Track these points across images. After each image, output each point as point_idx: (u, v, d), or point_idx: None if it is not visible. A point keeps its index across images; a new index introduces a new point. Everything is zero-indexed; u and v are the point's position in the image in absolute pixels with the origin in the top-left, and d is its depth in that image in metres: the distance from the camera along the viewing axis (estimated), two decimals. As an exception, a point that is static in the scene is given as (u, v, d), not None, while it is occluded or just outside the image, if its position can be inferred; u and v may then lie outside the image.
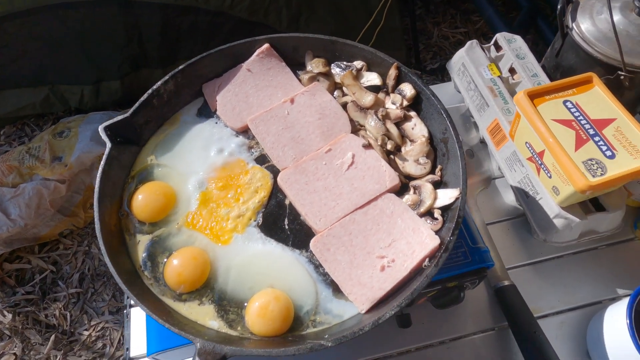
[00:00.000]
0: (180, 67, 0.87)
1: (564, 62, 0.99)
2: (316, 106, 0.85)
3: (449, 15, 2.94)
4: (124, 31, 2.21)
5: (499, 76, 1.01)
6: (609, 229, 0.89)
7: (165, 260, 0.73)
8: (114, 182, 0.78)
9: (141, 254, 0.73)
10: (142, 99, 0.83)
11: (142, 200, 0.76)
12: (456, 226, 0.68)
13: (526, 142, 0.86)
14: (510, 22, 2.38)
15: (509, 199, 0.99)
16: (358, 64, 0.89)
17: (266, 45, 0.90)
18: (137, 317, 0.89)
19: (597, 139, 0.78)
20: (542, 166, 0.83)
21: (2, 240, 2.04)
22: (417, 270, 0.68)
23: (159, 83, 0.85)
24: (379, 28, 2.38)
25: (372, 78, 0.88)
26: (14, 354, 1.93)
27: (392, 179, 0.76)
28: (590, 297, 0.87)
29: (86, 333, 2.02)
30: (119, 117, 0.80)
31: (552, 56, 1.03)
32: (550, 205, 0.85)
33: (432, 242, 0.68)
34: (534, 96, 0.83)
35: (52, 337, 1.95)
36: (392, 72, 0.85)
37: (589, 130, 0.79)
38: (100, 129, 0.80)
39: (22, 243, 2.11)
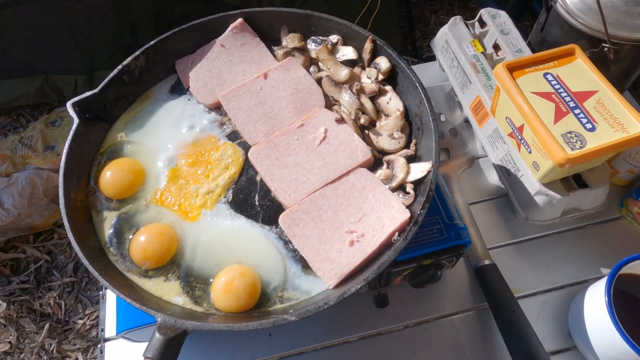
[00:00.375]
0: (152, 43, 0.85)
1: (548, 37, 0.96)
2: (290, 81, 0.83)
3: (446, 3, 2.90)
4: (116, 20, 2.20)
5: (482, 52, 0.98)
6: (592, 206, 0.86)
7: (131, 236, 0.71)
8: (82, 159, 0.77)
9: (107, 230, 0.72)
10: (111, 74, 0.82)
11: (110, 177, 0.74)
12: (427, 199, 0.65)
13: (506, 117, 0.84)
14: (505, 7, 2.34)
15: (492, 178, 0.97)
16: (334, 38, 0.87)
17: (240, 20, 0.88)
18: (112, 298, 0.88)
19: (577, 111, 0.75)
20: (522, 141, 0.81)
21: (-4, 229, 2.05)
22: (387, 245, 0.66)
23: (129, 59, 0.83)
24: (374, 15, 2.34)
25: (347, 52, 0.85)
26: (9, 342, 1.94)
27: (364, 154, 0.74)
28: (574, 277, 0.85)
29: (80, 322, 2.02)
30: (88, 93, 0.79)
31: (537, 31, 1.00)
32: (532, 182, 0.83)
33: (402, 215, 0.66)
34: (514, 69, 0.80)
35: (47, 326, 1.95)
36: (368, 46, 0.83)
37: (569, 103, 0.76)
38: (69, 104, 0.78)
39: (16, 232, 2.11)
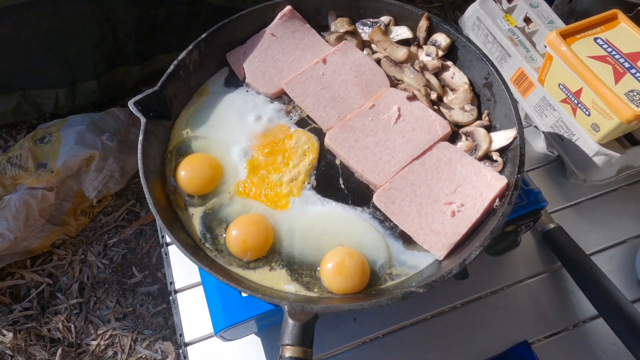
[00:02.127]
0: (203, 36, 0.83)
1: (578, 7, 1.00)
2: (350, 64, 0.83)
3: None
4: (97, 27, 2.11)
5: (515, 26, 1.01)
6: (643, 161, 0.91)
7: (223, 231, 0.69)
8: (154, 158, 0.74)
9: (198, 227, 0.70)
10: (169, 70, 0.79)
11: (189, 173, 0.72)
12: (521, 164, 0.67)
13: (559, 84, 0.87)
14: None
15: (539, 146, 1.00)
16: (385, 19, 0.87)
17: (288, 8, 0.87)
18: (185, 302, 0.85)
19: (633, 71, 0.79)
20: (579, 105, 0.84)
21: (-8, 257, 1.93)
22: (488, 212, 0.67)
23: (184, 53, 0.81)
24: None
25: (402, 32, 0.86)
26: (20, 373, 1.83)
27: (443, 127, 0.75)
28: (635, 230, 0.89)
29: (94, 343, 1.93)
30: (148, 91, 0.76)
31: (564, 3, 1.04)
32: (589, 144, 0.86)
33: (499, 182, 0.67)
34: (566, 36, 0.83)
35: (59, 351, 1.86)
36: (423, 24, 0.84)
37: (624, 64, 0.80)
38: (130, 104, 0.75)
39: (12, 258, 1.99)
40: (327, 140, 0.76)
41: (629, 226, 0.90)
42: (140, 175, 0.69)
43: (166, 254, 0.90)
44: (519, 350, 0.79)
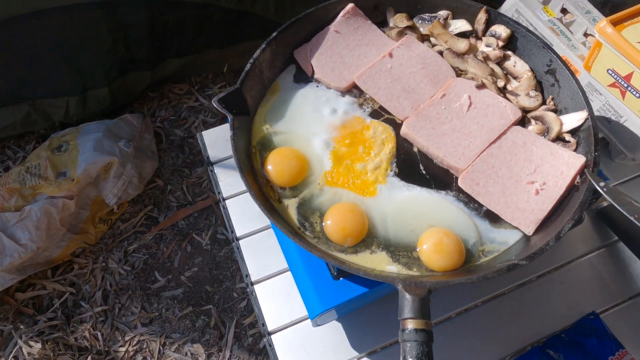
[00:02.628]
0: (274, 35, 0.86)
1: (612, -3, 1.06)
2: (415, 57, 0.87)
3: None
4: (109, 34, 2.10)
5: (554, 17, 1.06)
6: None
7: (318, 219, 0.72)
8: (242, 152, 0.76)
9: (294, 216, 0.72)
10: (246, 68, 0.82)
11: (278, 167, 0.75)
12: (596, 142, 0.72)
13: (608, 70, 0.92)
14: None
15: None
16: (443, 13, 0.91)
17: (351, 5, 0.91)
18: (264, 292, 0.87)
19: (680, 54, 0.85)
20: (630, 88, 0.90)
21: (15, 268, 1.91)
22: (570, 189, 0.72)
23: (258, 52, 0.83)
24: None
25: (460, 25, 0.90)
26: (51, 384, 1.82)
27: (514, 112, 0.79)
28: (681, 203, 0.95)
29: (122, 349, 1.92)
30: (230, 89, 0.78)
31: (597, -7, 1.10)
32: (638, 125, 0.92)
33: (578, 160, 0.72)
34: (615, 24, 0.89)
35: (89, 359, 1.85)
36: (482, 17, 0.88)
37: (671, 48, 0.86)
38: (215, 101, 0.77)
39: (34, 269, 1.98)
40: (405, 130, 0.79)
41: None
42: (238, 169, 0.71)
43: (238, 249, 0.93)
44: (588, 321, 0.84)
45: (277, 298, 0.87)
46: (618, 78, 0.91)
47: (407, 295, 0.59)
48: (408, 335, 0.56)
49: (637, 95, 0.89)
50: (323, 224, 0.72)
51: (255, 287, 0.88)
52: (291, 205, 0.73)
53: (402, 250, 0.70)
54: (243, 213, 0.96)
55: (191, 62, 2.34)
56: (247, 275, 0.89)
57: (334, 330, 0.84)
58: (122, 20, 2.09)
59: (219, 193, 0.99)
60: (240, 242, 0.93)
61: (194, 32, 2.22)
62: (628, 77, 0.89)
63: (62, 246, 2.01)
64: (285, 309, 0.86)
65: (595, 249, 0.92)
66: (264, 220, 0.94)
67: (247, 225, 0.94)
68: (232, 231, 0.94)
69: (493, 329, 0.85)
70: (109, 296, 2.03)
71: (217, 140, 1.06)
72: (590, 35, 1.05)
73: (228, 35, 2.31)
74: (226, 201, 0.97)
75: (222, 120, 2.40)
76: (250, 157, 0.78)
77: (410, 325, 0.57)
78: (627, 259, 0.90)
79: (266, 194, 0.74)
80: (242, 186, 0.98)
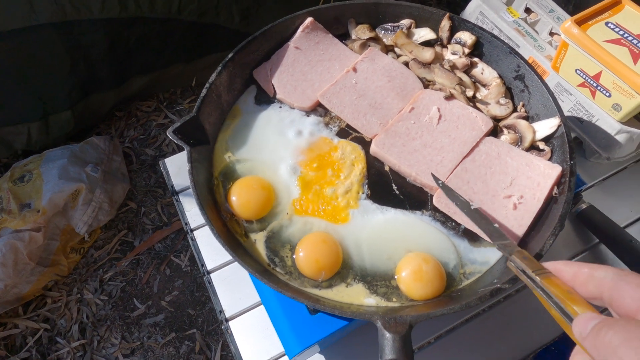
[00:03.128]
0: (230, 56, 0.81)
1: (575, -6, 1.05)
2: (380, 70, 0.83)
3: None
4: (67, 55, 2.02)
5: (518, 18, 1.04)
6: (657, 135, 0.96)
7: (289, 252, 0.68)
8: (202, 186, 0.71)
9: (263, 252, 0.68)
10: (202, 94, 0.77)
11: (243, 199, 0.70)
12: (571, 149, 0.69)
13: (576, 70, 0.90)
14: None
15: (555, 130, 1.04)
16: (406, 22, 0.88)
17: (310, 19, 0.87)
18: (240, 328, 0.82)
19: (647, 51, 0.84)
20: (599, 88, 0.88)
21: (-18, 309, 1.81)
22: (549, 201, 0.69)
23: (214, 76, 0.78)
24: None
25: (424, 34, 0.87)
26: None
27: (486, 122, 0.76)
28: (659, 200, 0.94)
29: (105, 384, 1.85)
30: (186, 118, 0.73)
31: (559, -9, 1.08)
32: (610, 124, 0.90)
33: (554, 170, 0.69)
34: (579, 23, 0.87)
35: (70, 398, 1.76)
36: (446, 24, 0.85)
37: (638, 45, 0.84)
38: (170, 133, 0.72)
39: (4, 307, 1.88)
40: (375, 148, 0.75)
41: (655, 196, 0.95)
42: (197, 205, 0.66)
43: (209, 283, 0.88)
44: (577, 330, 0.81)
45: (254, 333, 0.82)
46: (587, 78, 0.89)
47: (387, 335, 0.55)
48: (391, 379, 0.52)
49: (607, 94, 0.87)
50: (295, 256, 0.67)
51: (230, 323, 0.83)
52: (259, 240, 0.69)
53: (379, 280, 0.66)
54: (213, 244, 0.91)
55: (157, 78, 2.27)
56: (221, 312, 0.84)
57: (317, 362, 0.80)
58: (80, 40, 2.01)
59: (186, 224, 0.94)
60: (212, 275, 0.88)
61: (157, 47, 2.15)
62: (597, 77, 0.87)
63: (32, 281, 1.92)
64: (264, 344, 0.81)
65: (577, 253, 0.90)
66: (235, 250, 0.89)
67: (218, 257, 0.89)
68: (203, 264, 0.89)
69: (480, 348, 0.82)
70: (86, 329, 1.94)
71: (182, 167, 1.00)
72: (556, 33, 1.03)
73: (194, 48, 2.25)
74: (194, 232, 0.92)
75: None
76: (213, 190, 0.73)
77: (392, 366, 0.53)
78: (609, 261, 0.88)
79: (231, 229, 0.69)
80: (211, 215, 0.93)
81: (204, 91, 0.77)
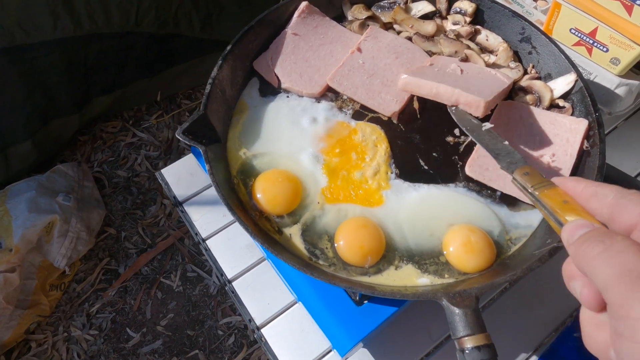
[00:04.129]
0: (229, 48, 0.76)
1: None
2: (385, 47, 0.81)
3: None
4: (21, 81, 1.88)
5: (502, -14, 1.05)
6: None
7: (327, 243, 0.64)
8: (225, 186, 0.66)
9: (301, 246, 0.63)
10: (207, 90, 0.71)
11: (269, 194, 0.65)
12: (593, 102, 0.69)
13: (571, 29, 0.91)
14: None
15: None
16: (402, -3, 0.86)
17: (305, 4, 0.83)
18: (274, 335, 0.77)
19: (639, 2, 0.85)
20: (596, 44, 0.89)
21: (-39, 365, 1.66)
22: (581, 155, 0.68)
23: (215, 70, 0.73)
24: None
25: (422, 7, 0.85)
26: None
27: (506, 77, 0.74)
28: (662, 147, 0.96)
29: (110, 423, 1.73)
30: (194, 116, 0.68)
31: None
32: (609, 79, 0.91)
33: (581, 124, 0.69)
34: (570, -18, 0.87)
35: None
36: (443, -6, 0.84)
37: (627, -3, 0.86)
38: (179, 134, 0.67)
39: (-15, 359, 1.73)
40: (407, 80, 0.71)
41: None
42: (227, 207, 0.61)
43: (233, 292, 0.82)
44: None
45: (290, 337, 0.77)
46: (582, 36, 0.90)
47: (457, 310, 0.52)
48: (471, 356, 0.49)
49: (605, 49, 0.88)
50: (335, 246, 0.63)
51: (263, 331, 0.78)
52: (294, 234, 0.64)
53: (427, 258, 0.63)
54: (229, 251, 0.85)
55: (120, 96, 2.16)
56: (251, 320, 0.79)
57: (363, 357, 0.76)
58: (34, 64, 1.88)
59: (196, 234, 0.88)
60: (234, 284, 0.82)
61: (118, 64, 2.05)
62: (592, 33, 0.88)
63: (12, 326, 1.78)
64: (302, 347, 0.76)
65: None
66: (255, 253, 0.84)
67: (237, 264, 0.84)
68: (222, 274, 0.83)
69: (517, 319, 0.80)
70: (82, 366, 1.82)
71: (181, 176, 0.94)
72: (540, -1, 1.04)
73: (156, 61, 2.16)
74: (207, 242, 0.86)
75: (166, 152, 2.24)
76: (235, 190, 0.68)
77: (470, 343, 0.50)
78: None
79: (263, 228, 0.65)
80: (221, 223, 0.87)
81: (208, 87, 0.72)
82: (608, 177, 0.87)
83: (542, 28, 0.95)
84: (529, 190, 0.46)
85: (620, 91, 0.90)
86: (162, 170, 0.95)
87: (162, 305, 1.95)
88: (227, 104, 0.75)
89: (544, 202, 0.42)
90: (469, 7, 0.82)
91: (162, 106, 2.43)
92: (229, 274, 0.83)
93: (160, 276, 2.00)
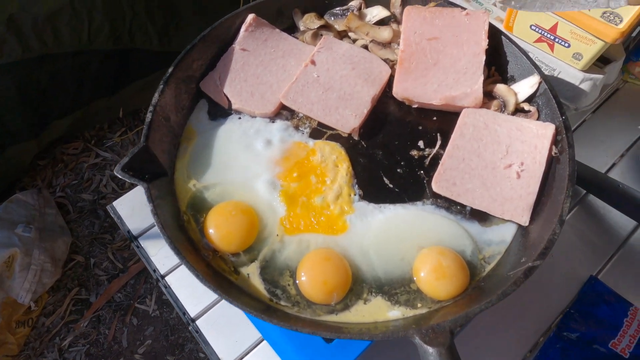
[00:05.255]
0: (170, 71, 0.70)
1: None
2: (341, 58, 0.76)
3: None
4: (-31, 111, 1.78)
5: (459, -16, 1.01)
6: (615, 77, 0.96)
7: (289, 280, 0.59)
8: (171, 226, 0.60)
9: (260, 286, 0.58)
10: (148, 119, 0.65)
11: (222, 230, 0.60)
12: (559, 105, 0.66)
13: (531, 26, 0.88)
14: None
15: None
16: (355, 3, 0.81)
17: (252, 16, 0.77)
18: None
19: (596, -5, 0.83)
20: (557, 40, 0.86)
21: None
22: (550, 162, 0.65)
23: (156, 96, 0.67)
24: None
25: (376, 12, 0.81)
26: None
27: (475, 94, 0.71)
28: (629, 138, 0.94)
29: None
30: (134, 150, 0.62)
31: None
32: (573, 74, 0.89)
33: (548, 129, 0.65)
34: (527, -22, 0.84)
35: None
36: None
37: (586, -10, 0.83)
38: (118, 172, 0.60)
39: (-51, 409, 1.62)
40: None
41: (622, 136, 0.95)
42: (172, 249, 0.55)
43: (197, 332, 0.76)
44: (591, 287, 0.79)
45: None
46: (543, 32, 0.87)
47: (430, 350, 0.48)
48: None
49: (566, 45, 0.86)
50: (298, 283, 0.58)
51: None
52: (252, 273, 0.59)
53: (398, 287, 0.59)
54: (191, 287, 0.79)
55: (80, 117, 2.06)
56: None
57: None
58: (-20, 91, 1.77)
59: (154, 271, 0.81)
60: (198, 322, 0.76)
61: (74, 84, 1.94)
62: (553, 29, 0.86)
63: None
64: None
65: (570, 208, 0.87)
66: (219, 287, 0.78)
67: (201, 300, 0.78)
68: (185, 313, 0.77)
69: (501, 331, 0.76)
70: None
71: (135, 208, 0.88)
72: (499, -6, 1.01)
73: (115, 78, 2.06)
74: (166, 279, 0.80)
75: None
76: (184, 227, 0.62)
77: (445, 384, 0.46)
78: (601, 210, 0.87)
79: (217, 268, 0.59)
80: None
81: (149, 115, 0.66)
82: (578, 175, 0.84)
83: (502, 25, 0.93)
84: None
85: (585, 86, 0.88)
86: (114, 203, 0.89)
87: (139, 332, 1.87)
88: (172, 132, 0.69)
89: None
90: (425, 10, 0.78)
91: (125, 123, 2.33)
92: (192, 312, 0.77)
93: (134, 302, 1.92)
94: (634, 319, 0.76)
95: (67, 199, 2.10)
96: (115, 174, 0.60)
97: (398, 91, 0.72)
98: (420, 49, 0.73)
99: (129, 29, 1.98)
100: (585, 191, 0.89)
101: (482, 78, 0.69)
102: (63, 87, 1.93)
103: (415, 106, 0.73)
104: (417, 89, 0.71)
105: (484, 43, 0.71)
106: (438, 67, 0.71)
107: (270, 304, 0.57)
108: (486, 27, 0.72)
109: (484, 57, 0.70)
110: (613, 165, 0.93)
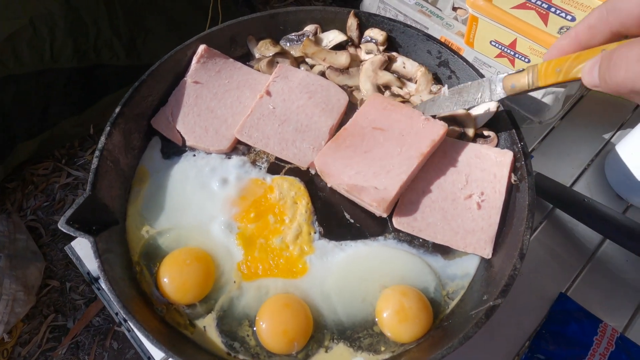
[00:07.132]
0: (118, 110, 0.67)
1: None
2: (297, 87, 0.74)
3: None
4: None
5: (419, -1, 1.00)
6: (578, 86, 0.96)
7: (248, 330, 0.56)
8: (121, 280, 0.57)
9: (217, 340, 0.56)
10: (94, 165, 0.62)
11: (176, 281, 0.57)
12: (517, 130, 0.65)
13: (491, 41, 0.87)
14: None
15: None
16: (310, 28, 0.79)
17: (203, 47, 0.75)
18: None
19: (553, 9, 0.82)
20: (517, 55, 0.85)
21: None
22: (510, 189, 0.64)
23: (103, 139, 0.64)
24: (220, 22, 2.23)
25: (333, 37, 0.79)
26: None
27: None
28: (593, 149, 0.94)
29: None
30: (79, 201, 0.59)
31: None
32: (535, 88, 0.88)
33: (506, 156, 0.64)
34: (484, -6, 0.83)
35: None
36: (353, 22, 0.78)
37: (543, 6, 0.82)
38: (62, 226, 0.57)
39: None
40: (319, 165, 0.65)
41: (587, 147, 0.95)
42: (121, 309, 0.52)
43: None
44: (561, 305, 0.78)
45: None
46: (503, 48, 0.87)
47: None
48: None
49: (526, 60, 0.85)
50: (256, 332, 0.56)
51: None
52: (209, 325, 0.57)
53: (360, 330, 0.57)
54: (156, 329, 0.76)
55: (48, 138, 2.00)
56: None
57: None
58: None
59: (116, 314, 0.78)
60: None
61: (40, 105, 1.89)
62: (512, 45, 0.85)
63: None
64: None
65: (536, 226, 0.87)
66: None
67: (166, 343, 0.75)
68: (149, 357, 0.75)
69: (474, 355, 0.75)
70: None
71: (95, 247, 0.84)
72: (460, 7, 1.00)
73: (83, 96, 2.00)
74: (129, 322, 0.77)
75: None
76: (137, 279, 0.59)
77: None
78: (568, 223, 0.87)
79: (172, 323, 0.57)
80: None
81: (95, 161, 0.63)
82: (544, 189, 0.84)
83: (463, 40, 0.92)
84: (530, 89, 0.52)
85: (547, 100, 0.88)
86: (72, 244, 0.85)
87: (120, 355, 1.83)
88: (123, 175, 0.66)
89: (549, 82, 0.48)
90: (380, 36, 0.76)
91: (96, 139, 2.27)
92: (157, 356, 0.75)
93: (114, 325, 1.87)
94: (603, 337, 0.76)
95: (38, 222, 2.04)
96: (60, 227, 0.57)
97: (318, 162, 0.66)
98: (361, 133, 0.67)
99: (93, 45, 1.93)
100: (552, 206, 0.88)
101: (401, 183, 0.62)
102: (28, 108, 1.87)
103: (329, 185, 0.67)
104: (335, 168, 0.65)
105: (425, 151, 0.65)
106: (366, 156, 0.65)
107: (227, 358, 0.55)
108: (436, 142, 0.66)
109: (416, 163, 0.63)
110: (579, 176, 0.93)
